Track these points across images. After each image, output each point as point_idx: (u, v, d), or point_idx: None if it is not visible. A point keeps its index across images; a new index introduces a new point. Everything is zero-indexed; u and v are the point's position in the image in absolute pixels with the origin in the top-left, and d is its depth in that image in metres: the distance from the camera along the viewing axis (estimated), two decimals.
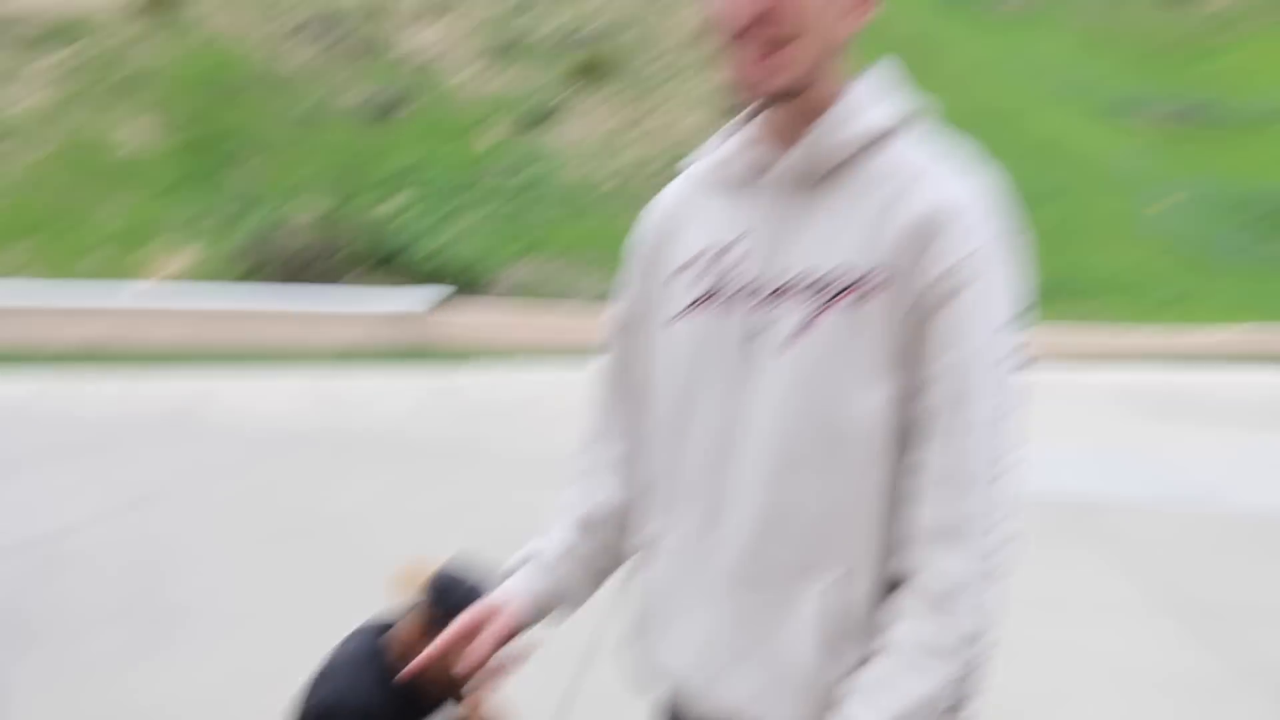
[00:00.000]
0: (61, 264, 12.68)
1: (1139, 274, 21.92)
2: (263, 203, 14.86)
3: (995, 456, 1.24)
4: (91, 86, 16.46)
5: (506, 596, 1.46)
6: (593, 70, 19.23)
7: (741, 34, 1.25)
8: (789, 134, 1.32)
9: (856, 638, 1.30)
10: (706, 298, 1.36)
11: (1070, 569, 5.75)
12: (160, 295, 11.64)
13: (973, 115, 26.32)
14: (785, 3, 1.23)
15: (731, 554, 1.37)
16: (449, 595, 2.13)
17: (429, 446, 7.74)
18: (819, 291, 1.27)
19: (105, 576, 4.79)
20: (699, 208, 1.42)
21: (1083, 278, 20.18)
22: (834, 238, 1.28)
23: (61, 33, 17.21)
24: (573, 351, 12.47)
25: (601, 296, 13.69)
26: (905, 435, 1.27)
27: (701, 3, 1.33)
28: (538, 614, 1.49)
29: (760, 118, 1.36)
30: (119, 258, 12.87)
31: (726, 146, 1.40)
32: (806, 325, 1.27)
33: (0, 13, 17.31)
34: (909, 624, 1.25)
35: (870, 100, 1.32)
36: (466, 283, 13.37)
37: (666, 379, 1.43)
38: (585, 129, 18.14)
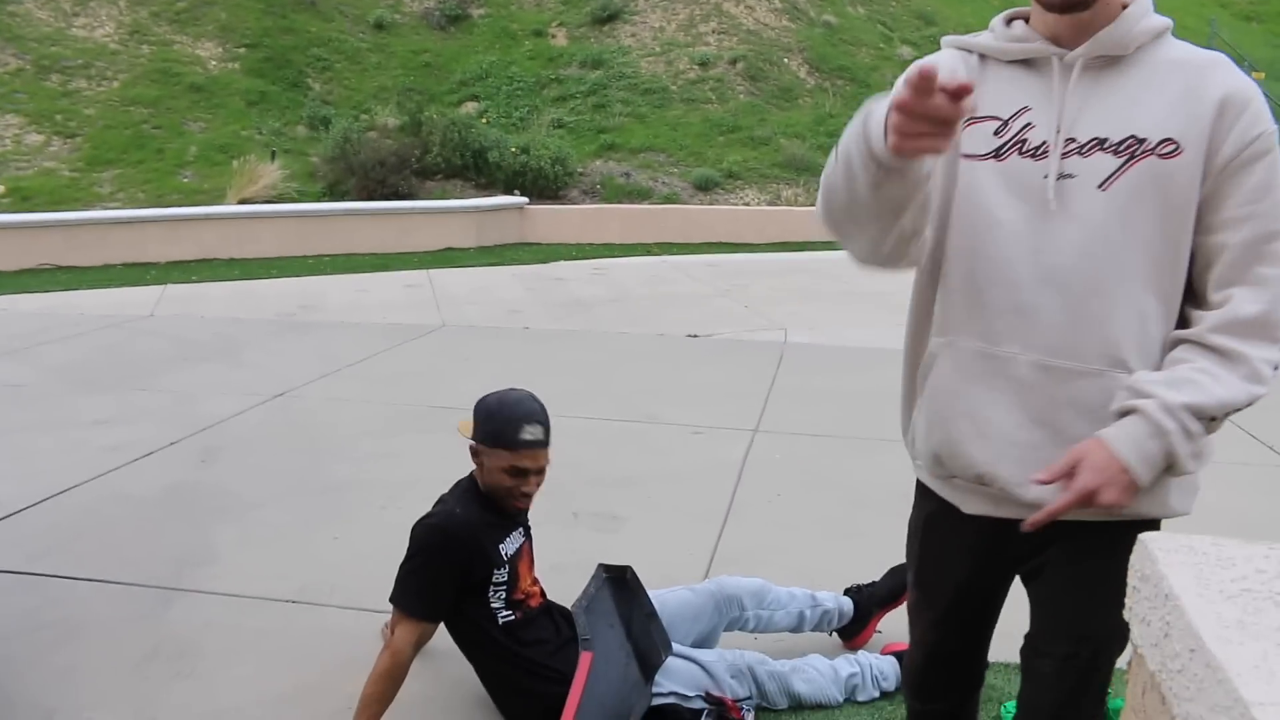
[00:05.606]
0: (157, 182, 13.02)
1: None
2: (342, 114, 15.02)
3: None
4: (164, 11, 16.64)
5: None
6: None
7: None
8: (1073, 31, 1.58)
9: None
10: (1007, 149, 1.60)
11: None
12: (259, 206, 11.92)
13: None
14: None
15: (1033, 358, 1.61)
16: (487, 419, 2.72)
17: (538, 335, 7.94)
18: (1129, 148, 1.53)
19: (266, 462, 5.09)
20: (983, 76, 1.65)
21: None
22: (1137, 108, 1.54)
23: None
24: (659, 244, 12.57)
25: (680, 191, 13.69)
26: (1200, 263, 1.55)
27: None
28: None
29: (1038, 16, 1.63)
30: (210, 174, 13.17)
31: (1012, 33, 1.65)
32: (1119, 173, 1.53)
33: None
34: (1218, 340, 1.51)
35: (1148, 8, 1.59)
36: (548, 181, 13.44)
37: (966, 209, 1.65)
38: (655, 26, 17.93)
